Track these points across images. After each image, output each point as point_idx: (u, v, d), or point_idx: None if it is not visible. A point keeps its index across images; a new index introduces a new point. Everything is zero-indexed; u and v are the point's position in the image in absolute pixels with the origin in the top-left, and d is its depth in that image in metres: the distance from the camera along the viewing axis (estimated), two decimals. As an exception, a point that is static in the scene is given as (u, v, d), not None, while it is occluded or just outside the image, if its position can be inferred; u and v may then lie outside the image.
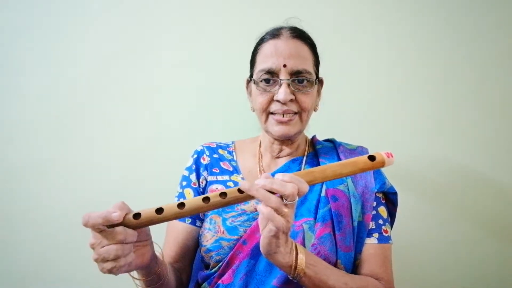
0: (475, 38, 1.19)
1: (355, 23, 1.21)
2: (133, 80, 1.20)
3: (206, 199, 0.59)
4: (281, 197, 0.59)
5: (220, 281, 0.78)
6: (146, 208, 0.59)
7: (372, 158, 0.65)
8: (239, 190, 0.60)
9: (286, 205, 0.59)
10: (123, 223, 0.56)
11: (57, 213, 1.17)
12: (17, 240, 1.18)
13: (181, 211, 0.58)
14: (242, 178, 0.89)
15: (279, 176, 0.61)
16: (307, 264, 0.66)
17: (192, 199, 0.60)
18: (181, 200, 0.59)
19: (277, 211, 0.58)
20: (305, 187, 0.60)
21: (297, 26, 0.86)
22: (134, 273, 0.67)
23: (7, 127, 1.18)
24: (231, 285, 0.76)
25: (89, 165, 1.19)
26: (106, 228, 0.55)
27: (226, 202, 0.59)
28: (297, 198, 0.59)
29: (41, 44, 1.18)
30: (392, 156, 0.66)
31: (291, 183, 0.59)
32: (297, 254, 0.65)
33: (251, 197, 0.60)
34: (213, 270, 0.81)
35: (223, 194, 0.59)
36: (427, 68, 1.20)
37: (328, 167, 0.65)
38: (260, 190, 0.59)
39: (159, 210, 0.58)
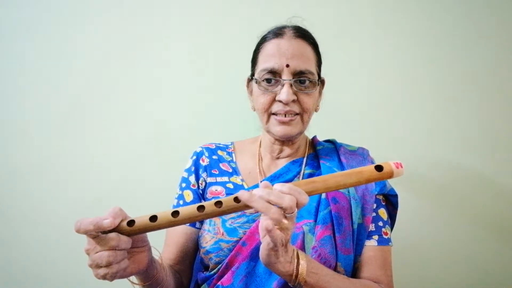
0: (476, 38, 1.18)
1: (355, 22, 1.20)
2: (133, 80, 1.19)
3: (201, 208, 0.58)
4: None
5: (219, 283, 0.77)
6: (142, 215, 0.58)
7: (379, 168, 0.62)
8: (235, 199, 0.59)
9: (285, 217, 0.58)
10: (117, 230, 0.56)
11: (57, 213, 1.17)
12: (17, 240, 1.18)
13: (175, 220, 0.57)
14: (242, 180, 0.88)
15: (277, 186, 0.59)
16: (308, 272, 0.65)
17: (186, 207, 0.59)
18: (176, 209, 0.58)
19: (276, 223, 0.57)
20: (305, 199, 0.59)
21: (300, 26, 0.85)
22: (133, 278, 0.67)
23: (7, 127, 1.18)
24: (230, 287, 0.76)
25: (89, 165, 1.19)
26: (100, 234, 0.55)
27: (221, 211, 0.58)
28: (296, 210, 0.58)
29: (41, 44, 1.18)
30: (401, 167, 0.62)
31: (289, 195, 0.57)
32: (298, 262, 0.64)
33: (247, 207, 0.59)
34: (212, 272, 0.80)
35: (218, 203, 0.58)
36: (428, 68, 1.19)
37: (331, 177, 0.62)
38: (260, 201, 0.57)
39: (153, 218, 0.57)
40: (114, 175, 1.19)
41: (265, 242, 0.60)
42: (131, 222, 0.57)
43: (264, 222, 0.56)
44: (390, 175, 0.62)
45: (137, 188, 1.19)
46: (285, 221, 0.57)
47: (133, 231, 0.57)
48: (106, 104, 1.19)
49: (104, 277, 0.56)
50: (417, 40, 1.19)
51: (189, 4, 1.19)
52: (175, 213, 0.58)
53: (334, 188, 0.62)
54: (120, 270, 0.57)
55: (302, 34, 0.82)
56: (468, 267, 1.18)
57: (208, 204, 0.58)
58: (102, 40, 1.19)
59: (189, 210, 0.58)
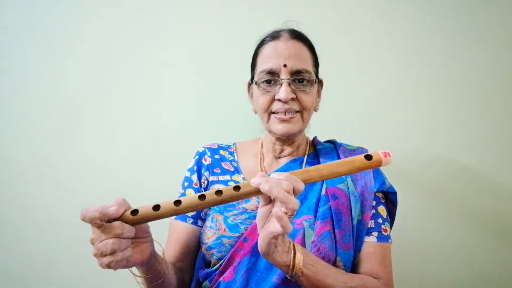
0: (475, 37, 1.20)
1: (354, 23, 1.22)
2: (133, 80, 1.20)
3: (202, 197, 0.60)
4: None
5: (221, 279, 0.78)
6: (145, 205, 0.60)
7: (369, 157, 0.65)
8: (235, 188, 0.60)
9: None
10: (121, 219, 0.58)
11: (57, 213, 1.18)
12: (17, 240, 1.18)
13: (178, 208, 0.59)
14: (243, 178, 0.90)
15: (274, 175, 0.61)
16: (305, 263, 0.66)
17: (188, 197, 0.61)
18: (178, 198, 0.60)
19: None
20: (301, 186, 0.61)
21: (296, 29, 0.89)
22: (135, 271, 0.68)
23: (7, 126, 1.18)
24: (232, 282, 0.77)
25: (89, 165, 1.19)
26: (104, 223, 0.56)
27: (221, 200, 0.60)
28: (293, 197, 0.60)
29: (41, 44, 1.19)
30: (389, 156, 0.66)
31: (286, 181, 0.60)
32: (295, 253, 0.66)
33: (245, 196, 0.61)
34: (214, 268, 0.81)
35: (218, 192, 0.60)
36: (427, 68, 1.21)
37: (324, 166, 0.65)
38: (282, 191, 0.58)
39: (156, 207, 0.59)
40: (114, 175, 1.19)
41: (265, 232, 0.62)
42: (134, 211, 0.59)
43: (279, 212, 0.58)
44: (379, 164, 0.65)
45: (138, 188, 1.19)
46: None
47: (136, 220, 0.59)
48: (106, 104, 1.20)
49: (108, 266, 0.57)
50: (416, 39, 1.21)
51: (189, 5, 1.21)
52: (177, 202, 0.59)
53: (327, 176, 0.65)
54: (124, 259, 0.58)
55: (298, 35, 0.86)
56: (467, 264, 1.18)
57: (209, 193, 0.60)
58: (102, 41, 1.20)
59: (190, 199, 0.60)
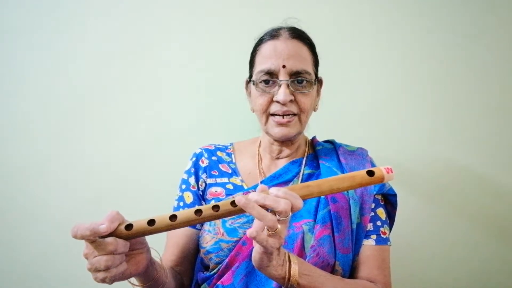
0: (475, 38, 1.19)
1: (355, 22, 1.20)
2: (133, 81, 1.19)
3: (198, 212, 0.59)
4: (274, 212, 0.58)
5: (219, 282, 0.78)
6: (140, 219, 0.59)
7: (370, 173, 0.64)
8: (232, 204, 0.59)
9: (279, 221, 0.58)
10: (115, 234, 0.57)
11: (56, 213, 1.18)
12: (17, 239, 1.18)
13: (173, 223, 0.58)
14: (241, 180, 0.89)
15: (273, 190, 0.60)
16: (300, 274, 0.65)
17: (184, 211, 0.60)
18: (174, 212, 0.59)
19: (271, 229, 0.57)
20: (299, 204, 0.59)
21: (296, 26, 0.86)
22: (133, 280, 0.67)
23: (7, 127, 1.18)
24: (230, 286, 0.76)
25: (89, 165, 1.19)
26: (97, 238, 0.55)
27: (218, 215, 0.59)
28: (290, 214, 0.58)
29: (41, 44, 1.18)
30: (392, 172, 0.65)
31: (285, 199, 0.58)
32: (290, 265, 0.65)
33: (243, 211, 0.59)
34: (212, 272, 0.81)
35: (215, 207, 0.59)
36: (427, 68, 1.20)
37: (325, 181, 0.64)
38: (256, 207, 0.56)
39: (151, 222, 0.58)
40: (113, 175, 1.19)
41: (257, 246, 0.61)
42: (129, 226, 0.58)
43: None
44: (381, 180, 0.65)
45: (137, 188, 1.19)
46: (278, 226, 0.57)
47: (131, 235, 0.58)
48: (106, 104, 1.19)
49: (103, 281, 0.57)
50: (417, 39, 1.19)
51: (189, 5, 1.19)
52: (173, 217, 0.58)
53: (328, 192, 0.64)
54: (118, 274, 0.57)
55: (298, 34, 0.83)
56: (467, 266, 1.19)
57: (206, 208, 0.59)
58: (102, 41, 1.19)
59: (186, 214, 0.59)
